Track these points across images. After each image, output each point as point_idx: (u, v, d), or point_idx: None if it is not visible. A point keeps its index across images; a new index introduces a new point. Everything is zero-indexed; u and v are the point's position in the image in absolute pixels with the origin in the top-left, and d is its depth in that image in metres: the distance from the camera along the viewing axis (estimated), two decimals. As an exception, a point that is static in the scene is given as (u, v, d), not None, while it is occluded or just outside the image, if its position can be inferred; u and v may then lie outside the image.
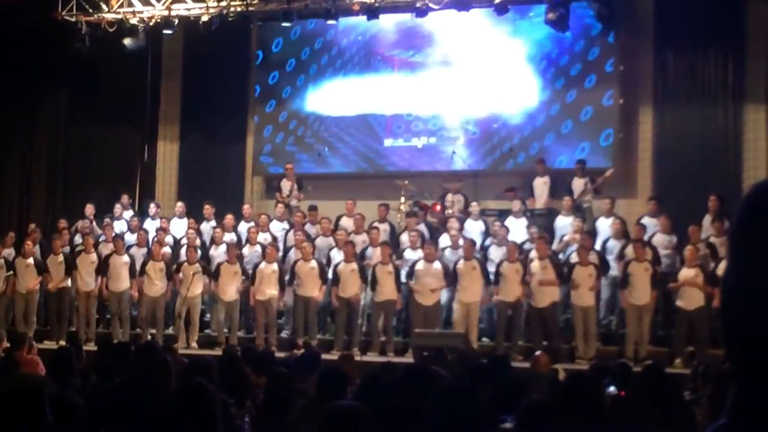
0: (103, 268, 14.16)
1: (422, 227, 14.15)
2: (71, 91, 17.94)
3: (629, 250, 12.61)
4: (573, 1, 14.47)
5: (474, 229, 14.03)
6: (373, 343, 13.04)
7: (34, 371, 8.16)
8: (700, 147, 14.31)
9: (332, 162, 16.63)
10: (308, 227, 14.58)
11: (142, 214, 16.14)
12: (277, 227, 14.89)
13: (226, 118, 17.10)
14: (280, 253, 14.08)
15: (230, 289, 13.59)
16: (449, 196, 14.69)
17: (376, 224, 14.13)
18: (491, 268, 12.96)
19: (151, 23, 16.22)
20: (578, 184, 14.19)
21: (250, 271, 13.72)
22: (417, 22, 15.72)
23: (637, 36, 15.13)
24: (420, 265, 12.89)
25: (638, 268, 12.24)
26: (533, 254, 12.77)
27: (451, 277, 12.76)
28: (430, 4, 15.08)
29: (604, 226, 13.49)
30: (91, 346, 12.15)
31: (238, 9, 15.91)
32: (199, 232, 14.95)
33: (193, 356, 9.24)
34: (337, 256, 13.54)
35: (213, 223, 15.15)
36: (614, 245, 13.12)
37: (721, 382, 5.72)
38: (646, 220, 13.32)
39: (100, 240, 15.10)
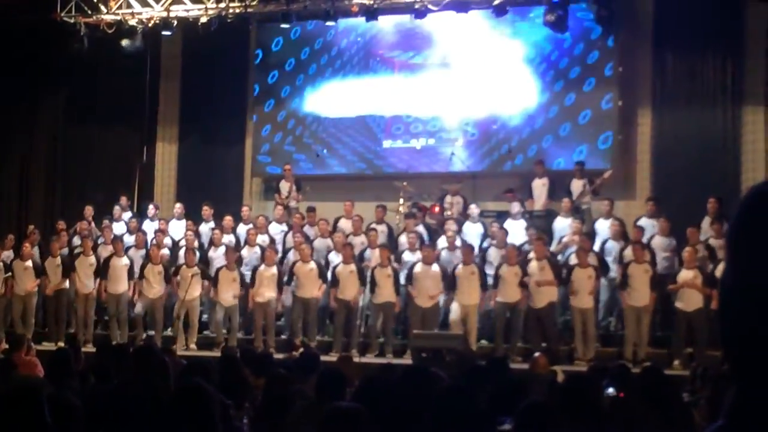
0: (102, 271, 14.16)
1: (421, 229, 14.15)
2: (70, 92, 17.93)
3: (628, 252, 12.62)
4: (572, 2, 14.48)
5: (472, 231, 14.03)
6: (372, 344, 13.04)
7: (33, 373, 8.16)
8: (699, 148, 14.32)
9: (331, 163, 16.62)
10: (307, 229, 14.58)
11: (140, 215, 16.14)
12: (276, 229, 14.89)
13: (224, 120, 17.10)
14: (280, 255, 14.08)
15: (228, 295, 13.59)
16: (448, 198, 14.70)
17: (373, 226, 14.14)
18: (490, 271, 12.96)
19: (149, 24, 16.22)
20: (577, 185, 14.20)
21: (249, 273, 13.73)
22: (416, 24, 15.72)
23: (636, 37, 15.13)
24: (418, 268, 12.89)
25: (638, 269, 12.24)
26: (531, 255, 12.78)
27: (449, 280, 12.75)
28: (429, 6, 15.09)
29: (603, 227, 13.49)
30: (89, 348, 12.16)
31: (237, 10, 15.92)
32: (197, 234, 14.96)
33: (192, 357, 9.25)
34: (335, 258, 13.54)
35: (212, 224, 15.14)
36: (613, 246, 13.14)
37: (720, 384, 5.72)
38: (644, 221, 13.32)
39: (99, 242, 15.09)
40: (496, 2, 14.74)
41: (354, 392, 5.22)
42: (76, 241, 15.28)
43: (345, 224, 14.53)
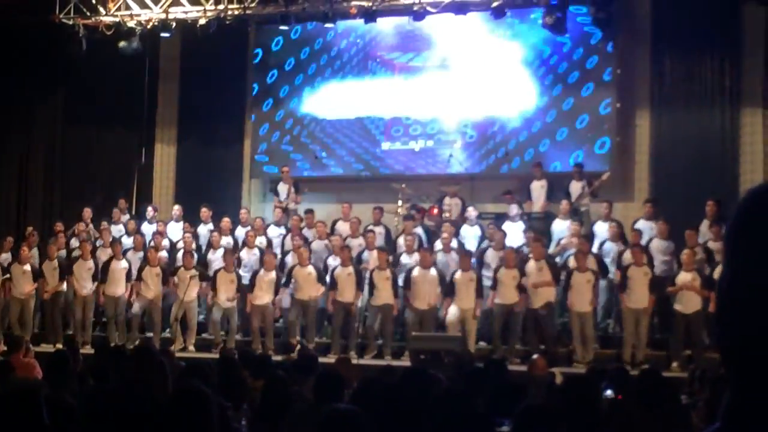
0: (102, 275, 14.16)
1: (419, 230, 14.15)
2: (68, 93, 17.93)
3: (627, 255, 12.62)
4: (570, 4, 14.49)
5: (470, 233, 14.03)
6: (369, 345, 13.03)
7: (31, 375, 8.16)
8: (698, 150, 14.32)
9: (329, 165, 16.61)
10: (305, 231, 14.58)
11: (139, 217, 16.14)
12: (275, 232, 14.91)
13: (223, 121, 17.11)
14: (279, 257, 14.08)
15: (225, 297, 13.59)
16: (446, 200, 14.71)
17: (371, 227, 14.14)
18: (488, 273, 12.96)
19: (148, 26, 16.22)
20: (576, 187, 14.21)
21: (248, 276, 13.73)
22: (416, 26, 15.72)
23: (634, 39, 15.14)
24: (416, 272, 12.89)
25: (637, 272, 12.24)
26: (530, 256, 12.78)
27: (447, 286, 12.74)
28: (428, 8, 15.09)
29: (602, 229, 13.51)
30: (88, 350, 12.16)
31: (236, 12, 15.92)
32: (196, 235, 14.97)
33: (190, 359, 9.24)
34: (334, 261, 13.54)
35: (210, 226, 15.14)
36: (611, 247, 13.15)
37: (718, 386, 5.72)
38: (642, 223, 13.34)
39: (98, 245, 15.09)
40: (494, 4, 14.75)
41: (352, 394, 5.23)
42: (74, 243, 15.28)
43: (343, 226, 14.54)
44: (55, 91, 17.96)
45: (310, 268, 13.34)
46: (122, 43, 16.15)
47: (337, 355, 11.93)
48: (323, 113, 16.67)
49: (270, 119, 16.99)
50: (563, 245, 13.41)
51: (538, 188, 14.51)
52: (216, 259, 14.19)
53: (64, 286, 14.38)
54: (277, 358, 10.32)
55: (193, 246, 14.48)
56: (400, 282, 13.05)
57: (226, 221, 14.91)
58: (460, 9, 14.94)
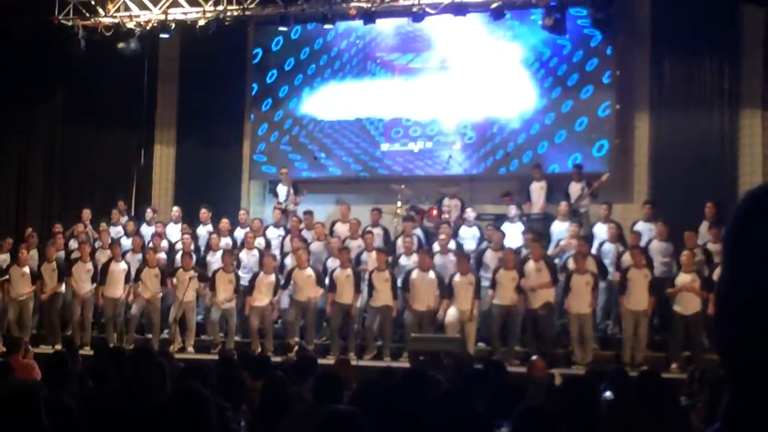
0: (101, 276, 14.15)
1: (418, 232, 14.15)
2: (68, 94, 17.93)
3: (627, 257, 12.62)
4: (569, 6, 14.50)
5: (468, 235, 14.04)
6: (369, 346, 13.02)
7: (30, 376, 8.15)
8: (697, 152, 14.33)
9: (328, 166, 16.61)
10: (304, 232, 14.59)
11: (138, 219, 16.14)
12: (274, 233, 14.91)
13: (222, 122, 17.11)
14: (278, 259, 14.08)
15: (224, 297, 13.59)
16: (446, 201, 14.71)
17: (369, 229, 14.14)
18: (487, 274, 12.95)
19: (147, 27, 16.22)
20: (575, 188, 14.22)
21: (248, 277, 13.73)
22: (416, 27, 15.73)
23: (633, 41, 15.15)
24: (414, 274, 12.89)
25: (637, 274, 12.23)
26: (528, 257, 12.78)
27: (446, 290, 12.74)
28: (427, 9, 15.10)
29: (601, 231, 13.51)
30: (87, 351, 12.15)
31: (235, 13, 15.93)
32: (195, 236, 14.97)
33: (189, 360, 9.23)
34: (333, 262, 13.54)
35: (210, 227, 15.14)
36: (609, 248, 13.15)
37: (717, 387, 5.72)
38: (641, 225, 13.35)
39: (97, 246, 15.08)
40: (493, 5, 14.76)
41: (351, 395, 5.23)
42: (73, 244, 15.28)
43: (341, 228, 14.54)
44: (55, 92, 17.96)
45: (309, 271, 13.34)
46: (121, 44, 16.15)
47: (336, 356, 11.92)
48: (322, 114, 16.67)
49: (269, 119, 16.98)
50: (562, 246, 13.42)
51: (538, 189, 14.52)
52: (215, 260, 14.18)
53: (63, 287, 14.38)
54: (276, 359, 10.32)
55: (192, 247, 14.47)
56: (399, 283, 13.05)
57: (224, 222, 14.91)
58: (459, 10, 14.94)
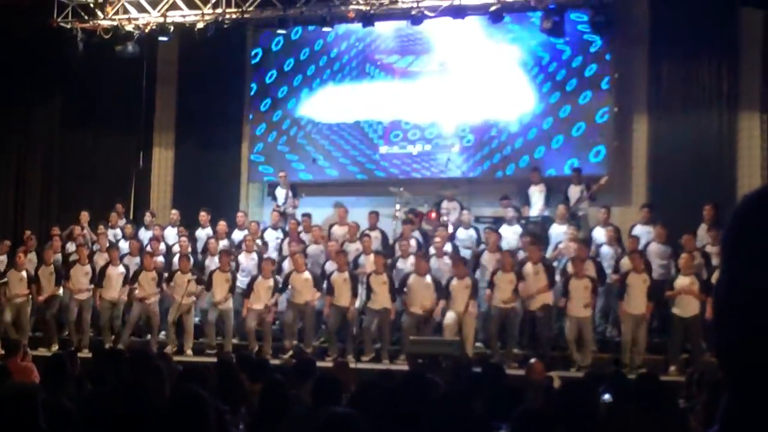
0: (99, 280, 14.15)
1: (417, 235, 14.15)
2: (66, 97, 17.92)
3: (626, 262, 12.61)
4: (568, 8, 14.51)
5: (465, 237, 14.03)
6: (367, 348, 13.01)
7: (28, 378, 8.15)
8: (695, 154, 14.33)
9: (326, 169, 16.60)
10: (303, 235, 14.60)
11: (137, 222, 16.14)
12: (272, 235, 14.91)
13: (221, 125, 17.10)
14: (276, 261, 14.08)
15: (220, 297, 13.59)
16: (444, 203, 14.72)
17: (367, 232, 14.15)
18: (484, 275, 12.96)
19: (146, 30, 16.23)
20: (574, 191, 14.23)
21: (247, 280, 13.73)
22: (415, 29, 15.74)
23: (632, 43, 15.15)
24: (412, 278, 12.89)
25: (636, 279, 12.22)
26: (526, 259, 12.79)
27: (443, 292, 12.74)
28: (426, 12, 15.11)
29: (600, 234, 13.52)
30: (85, 353, 12.14)
31: (234, 16, 15.93)
32: (194, 239, 14.96)
33: (188, 363, 9.23)
34: (331, 265, 13.54)
35: (209, 230, 15.13)
36: (607, 251, 13.15)
37: (716, 390, 5.72)
38: (639, 229, 13.36)
39: (95, 249, 15.08)
40: (492, 8, 14.77)
41: (350, 398, 5.22)
42: (70, 247, 15.26)
43: (339, 230, 14.54)
44: (53, 95, 17.96)
45: (307, 274, 13.35)
46: (118, 47, 16.16)
47: (333, 357, 11.91)
48: (321, 116, 16.66)
49: (267, 119, 16.98)
50: (560, 250, 13.41)
51: (537, 193, 14.52)
52: (213, 264, 14.17)
53: (61, 290, 14.37)
54: (275, 361, 10.31)
55: (189, 249, 14.47)
56: (397, 285, 13.04)
57: (222, 225, 14.92)
58: (458, 13, 14.95)
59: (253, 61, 17.14)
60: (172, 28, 16.18)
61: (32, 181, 18.06)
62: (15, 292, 14.25)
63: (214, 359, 10.13)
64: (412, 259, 13.22)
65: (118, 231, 15.71)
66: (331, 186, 16.44)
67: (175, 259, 14.35)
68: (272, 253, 14.44)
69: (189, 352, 13.57)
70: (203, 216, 15.31)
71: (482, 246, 13.74)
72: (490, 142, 15.62)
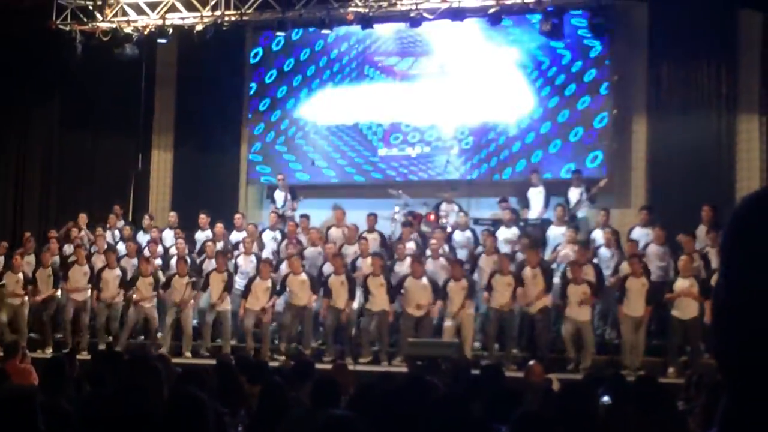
0: (95, 282, 14.13)
1: (415, 236, 14.16)
2: (65, 99, 17.92)
3: (625, 266, 12.60)
4: (567, 11, 14.52)
5: (463, 240, 14.04)
6: (365, 350, 13.00)
7: (27, 381, 8.14)
8: (694, 157, 14.33)
9: (325, 171, 16.60)
10: (301, 237, 14.60)
11: (135, 224, 16.13)
12: (269, 237, 14.90)
13: (220, 127, 17.10)
14: (274, 263, 14.07)
15: (217, 297, 13.59)
16: (443, 206, 14.72)
17: (365, 234, 14.14)
18: (482, 277, 12.96)
19: (145, 32, 16.23)
20: (574, 193, 14.23)
21: (245, 282, 13.72)
22: (415, 31, 15.74)
23: (631, 46, 15.16)
24: (408, 281, 12.89)
25: (635, 283, 12.21)
26: (524, 262, 12.79)
27: (440, 293, 12.74)
28: (424, 14, 15.11)
29: (599, 237, 13.51)
30: (84, 355, 12.13)
31: (233, 18, 15.94)
32: (193, 241, 14.96)
33: (187, 365, 9.22)
34: (329, 267, 13.54)
35: (209, 232, 15.13)
36: (605, 253, 13.16)
37: (714, 392, 5.72)
38: (638, 231, 13.35)
39: (92, 251, 15.07)
40: (491, 11, 14.77)
41: (349, 400, 5.22)
42: (68, 249, 15.25)
43: (336, 233, 14.54)
44: (52, 97, 17.95)
45: (304, 276, 13.35)
46: (117, 50, 16.16)
47: (331, 359, 11.91)
48: (320, 118, 16.65)
49: (266, 119, 16.97)
50: (559, 255, 13.38)
51: (536, 195, 14.52)
52: (211, 267, 14.16)
53: (59, 292, 14.36)
54: (273, 363, 10.31)
55: (186, 252, 14.46)
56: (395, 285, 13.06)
57: (219, 227, 14.92)
58: (457, 15, 14.94)
59: (253, 61, 17.13)
60: (170, 30, 16.18)
61: (31, 183, 18.06)
62: (11, 293, 14.22)
63: (213, 361, 10.12)
64: (408, 260, 13.22)
65: (117, 232, 15.69)
66: (330, 188, 16.44)
67: (173, 261, 14.35)
68: (270, 255, 14.42)
69: (187, 354, 13.56)
70: (203, 218, 15.30)
71: (480, 248, 13.73)
72: (488, 144, 15.62)
